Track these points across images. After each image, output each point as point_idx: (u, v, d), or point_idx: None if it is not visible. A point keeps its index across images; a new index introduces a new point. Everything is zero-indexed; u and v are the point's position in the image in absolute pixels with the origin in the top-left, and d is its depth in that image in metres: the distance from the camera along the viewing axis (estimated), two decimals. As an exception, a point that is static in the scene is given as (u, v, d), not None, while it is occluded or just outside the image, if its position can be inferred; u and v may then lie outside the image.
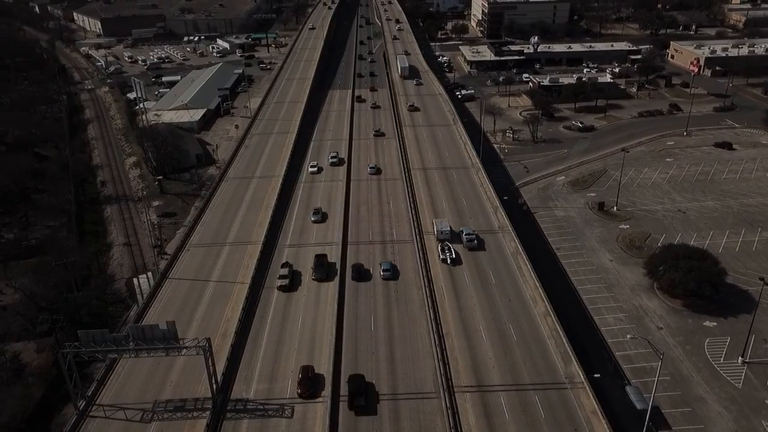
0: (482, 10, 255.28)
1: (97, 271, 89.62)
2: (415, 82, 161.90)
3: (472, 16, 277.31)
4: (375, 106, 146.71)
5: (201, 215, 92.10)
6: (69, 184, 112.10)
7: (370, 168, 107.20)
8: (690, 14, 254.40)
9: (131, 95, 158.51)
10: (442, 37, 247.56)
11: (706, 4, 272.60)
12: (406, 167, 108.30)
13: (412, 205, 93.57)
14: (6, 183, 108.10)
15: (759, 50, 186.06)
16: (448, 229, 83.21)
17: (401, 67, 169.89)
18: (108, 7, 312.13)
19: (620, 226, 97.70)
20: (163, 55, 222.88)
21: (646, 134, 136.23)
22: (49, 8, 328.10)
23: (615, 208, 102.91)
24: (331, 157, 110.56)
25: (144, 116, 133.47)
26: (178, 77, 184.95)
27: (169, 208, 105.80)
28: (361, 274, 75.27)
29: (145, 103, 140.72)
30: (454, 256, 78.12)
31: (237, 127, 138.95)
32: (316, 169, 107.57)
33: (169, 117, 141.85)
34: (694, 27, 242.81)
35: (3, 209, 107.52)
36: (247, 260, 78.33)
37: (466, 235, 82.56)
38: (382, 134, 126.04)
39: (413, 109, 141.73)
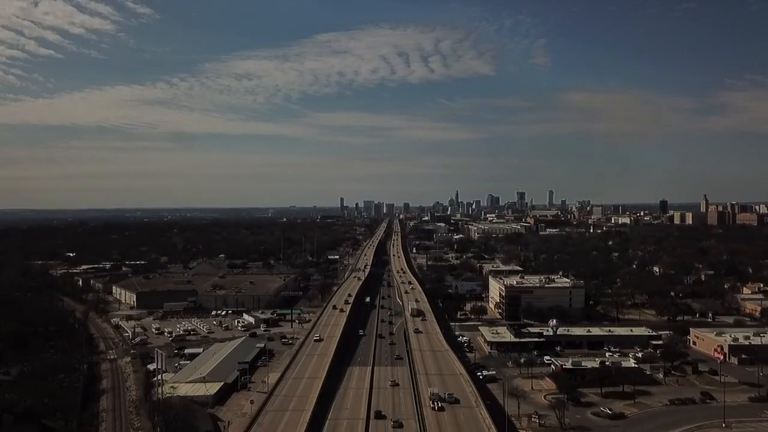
0: (499, 293, 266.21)
1: None
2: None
3: (490, 299, 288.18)
4: (394, 384, 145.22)
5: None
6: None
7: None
8: (704, 302, 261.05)
9: (151, 366, 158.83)
10: (461, 317, 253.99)
11: (719, 293, 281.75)
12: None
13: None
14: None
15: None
16: None
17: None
18: (146, 282, 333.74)
19: None
20: (189, 328, 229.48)
21: (682, 424, 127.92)
22: (91, 282, 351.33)
23: None
24: None
25: (160, 389, 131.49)
26: (201, 349, 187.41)
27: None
28: None
29: (163, 375, 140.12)
30: None
31: (252, 402, 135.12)
32: None
33: (185, 390, 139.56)
34: (710, 314, 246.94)
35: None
36: None
37: None
38: (401, 425, 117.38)
39: (438, 399, 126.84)
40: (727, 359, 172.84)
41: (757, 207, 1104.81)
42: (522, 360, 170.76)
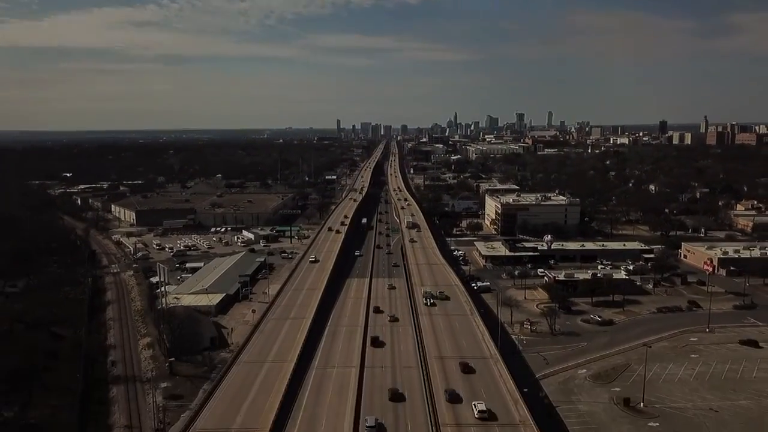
0: (495, 211, 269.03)
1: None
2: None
3: (486, 216, 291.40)
4: (391, 287, 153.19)
5: (209, 398, 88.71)
6: (79, 363, 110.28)
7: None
8: (697, 218, 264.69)
9: (154, 279, 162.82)
10: (457, 233, 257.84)
11: (713, 210, 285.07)
12: (423, 359, 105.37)
13: (428, 397, 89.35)
14: (17, 361, 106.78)
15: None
16: None
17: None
18: (144, 201, 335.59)
19: (649, 424, 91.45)
20: (189, 244, 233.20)
21: (667, 330, 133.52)
22: (90, 201, 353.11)
23: (642, 404, 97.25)
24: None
25: (164, 299, 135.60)
26: (202, 264, 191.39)
27: (176, 390, 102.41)
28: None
29: (166, 287, 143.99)
30: None
31: (254, 311, 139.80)
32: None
33: (188, 300, 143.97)
34: (703, 230, 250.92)
35: (10, 387, 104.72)
36: (251, 449, 73.56)
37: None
38: (396, 319, 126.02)
39: (430, 297, 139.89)
40: (716, 271, 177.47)
41: (756, 127, 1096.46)
42: (516, 272, 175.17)
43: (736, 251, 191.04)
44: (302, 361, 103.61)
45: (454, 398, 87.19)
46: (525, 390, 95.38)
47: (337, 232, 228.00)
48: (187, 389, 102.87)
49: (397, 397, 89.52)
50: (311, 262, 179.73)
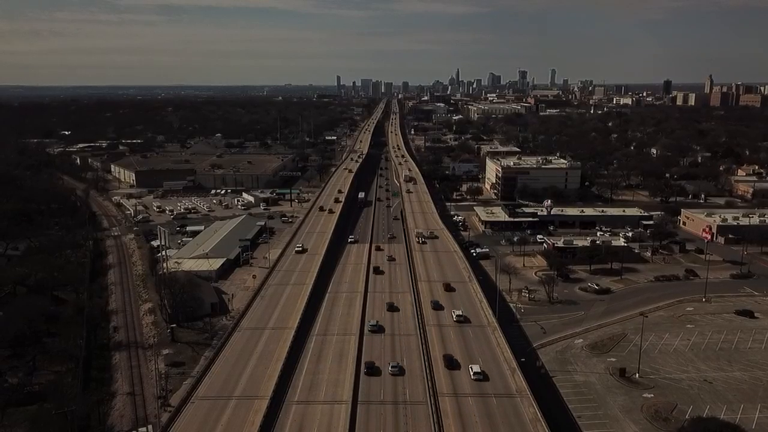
0: (496, 174, 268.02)
1: (96, 422, 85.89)
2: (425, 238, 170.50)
3: (486, 179, 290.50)
4: (391, 259, 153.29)
5: (210, 366, 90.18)
6: (81, 329, 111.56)
7: (375, 324, 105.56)
8: (698, 184, 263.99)
9: (155, 243, 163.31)
10: (457, 197, 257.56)
11: (713, 175, 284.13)
12: (421, 323, 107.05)
13: (426, 364, 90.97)
14: (19, 326, 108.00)
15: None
16: None
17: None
18: (144, 161, 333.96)
19: (644, 395, 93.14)
20: (189, 206, 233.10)
21: (664, 299, 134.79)
22: (89, 160, 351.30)
23: (637, 375, 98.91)
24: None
25: (165, 263, 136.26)
26: (202, 227, 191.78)
27: (178, 357, 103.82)
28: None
29: (167, 251, 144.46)
30: None
31: (254, 277, 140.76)
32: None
33: (189, 265, 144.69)
34: (703, 196, 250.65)
35: (13, 352, 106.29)
36: (252, 416, 75.11)
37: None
38: (397, 309, 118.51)
39: (422, 236, 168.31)
40: (715, 239, 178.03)
41: (762, 88, 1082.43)
42: (515, 239, 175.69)
43: (735, 218, 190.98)
44: (303, 327, 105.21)
45: (437, 306, 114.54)
46: (522, 359, 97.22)
47: (330, 212, 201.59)
48: (189, 356, 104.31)
49: (393, 308, 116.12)
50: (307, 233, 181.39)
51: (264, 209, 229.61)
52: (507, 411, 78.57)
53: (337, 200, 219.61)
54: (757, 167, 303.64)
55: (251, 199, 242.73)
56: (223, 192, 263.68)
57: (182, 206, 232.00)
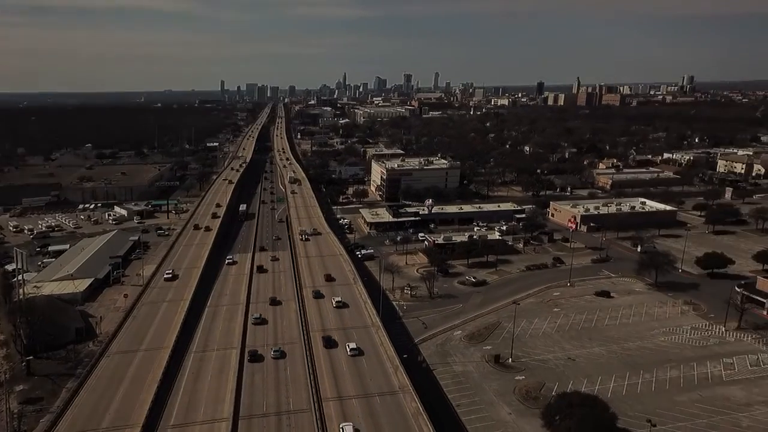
0: (381, 177, 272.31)
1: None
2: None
3: (371, 182, 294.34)
4: (274, 259, 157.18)
5: (73, 398, 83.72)
6: None
7: (259, 317, 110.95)
8: (565, 178, 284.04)
9: (10, 267, 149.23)
10: (344, 201, 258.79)
11: (578, 169, 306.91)
12: (305, 330, 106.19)
13: (311, 372, 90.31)
14: None
15: (624, 208, 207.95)
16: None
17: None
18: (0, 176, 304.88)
19: (516, 378, 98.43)
20: (53, 224, 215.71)
21: (534, 286, 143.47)
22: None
23: (510, 359, 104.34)
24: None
25: (21, 289, 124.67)
26: (67, 246, 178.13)
27: (35, 393, 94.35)
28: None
29: (24, 274, 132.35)
30: None
31: (126, 296, 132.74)
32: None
33: (51, 288, 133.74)
34: (569, 189, 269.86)
35: None
36: (120, 446, 70.77)
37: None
38: (279, 303, 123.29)
39: (305, 233, 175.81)
40: (579, 228, 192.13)
41: (620, 88, 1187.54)
42: (398, 238, 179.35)
43: (596, 208, 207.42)
44: (180, 345, 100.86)
45: (317, 295, 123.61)
46: (405, 356, 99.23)
47: (207, 229, 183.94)
48: (48, 390, 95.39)
49: (275, 302, 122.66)
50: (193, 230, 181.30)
51: (138, 223, 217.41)
52: (390, 408, 79.91)
53: (215, 215, 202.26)
54: (615, 161, 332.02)
55: (124, 212, 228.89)
56: (92, 206, 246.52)
57: (44, 224, 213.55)
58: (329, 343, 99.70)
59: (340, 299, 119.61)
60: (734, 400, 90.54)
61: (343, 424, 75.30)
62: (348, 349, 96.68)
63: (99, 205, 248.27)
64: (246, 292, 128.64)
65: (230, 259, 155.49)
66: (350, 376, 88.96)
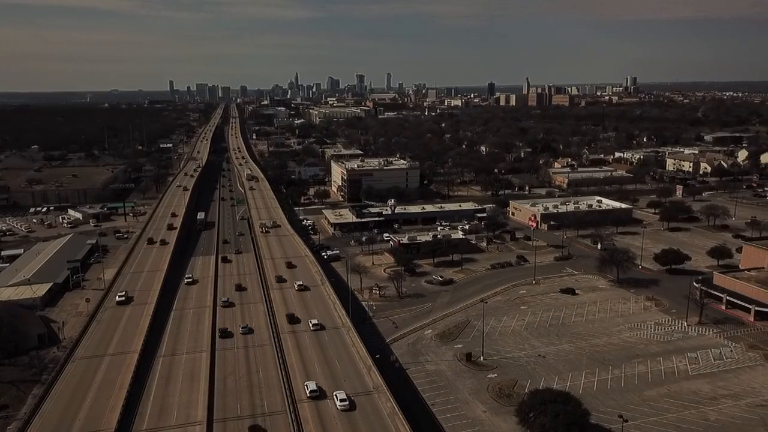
0: (342, 177, 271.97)
1: None
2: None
3: (332, 183, 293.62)
4: (238, 252, 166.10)
5: (40, 404, 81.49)
6: None
7: (242, 327, 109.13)
8: (522, 177, 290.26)
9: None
10: (305, 202, 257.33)
11: (534, 168, 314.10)
12: (275, 331, 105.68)
13: (283, 371, 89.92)
14: None
15: (582, 206, 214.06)
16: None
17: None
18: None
19: (489, 376, 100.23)
20: (3, 228, 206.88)
21: (500, 284, 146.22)
22: None
23: (482, 358, 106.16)
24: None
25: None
26: (21, 250, 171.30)
27: None
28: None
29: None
30: None
31: (88, 300, 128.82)
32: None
33: (8, 294, 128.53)
34: (527, 188, 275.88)
35: None
36: (95, 454, 68.95)
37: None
38: (245, 288, 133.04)
39: (265, 226, 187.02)
40: (539, 226, 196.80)
41: (569, 89, 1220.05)
42: (363, 238, 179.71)
43: (555, 207, 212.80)
44: (149, 348, 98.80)
45: (280, 280, 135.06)
46: (377, 356, 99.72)
47: (163, 242, 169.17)
48: (13, 397, 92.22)
49: (241, 288, 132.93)
50: (149, 242, 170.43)
51: (95, 226, 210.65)
52: (366, 409, 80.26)
53: (171, 226, 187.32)
54: (570, 160, 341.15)
55: (79, 215, 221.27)
56: (44, 209, 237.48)
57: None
58: (292, 320, 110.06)
59: (301, 283, 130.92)
60: (701, 394, 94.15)
61: (307, 382, 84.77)
62: (314, 334, 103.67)
63: (51, 208, 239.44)
64: (212, 304, 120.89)
65: (189, 278, 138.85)
66: (323, 377, 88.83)
